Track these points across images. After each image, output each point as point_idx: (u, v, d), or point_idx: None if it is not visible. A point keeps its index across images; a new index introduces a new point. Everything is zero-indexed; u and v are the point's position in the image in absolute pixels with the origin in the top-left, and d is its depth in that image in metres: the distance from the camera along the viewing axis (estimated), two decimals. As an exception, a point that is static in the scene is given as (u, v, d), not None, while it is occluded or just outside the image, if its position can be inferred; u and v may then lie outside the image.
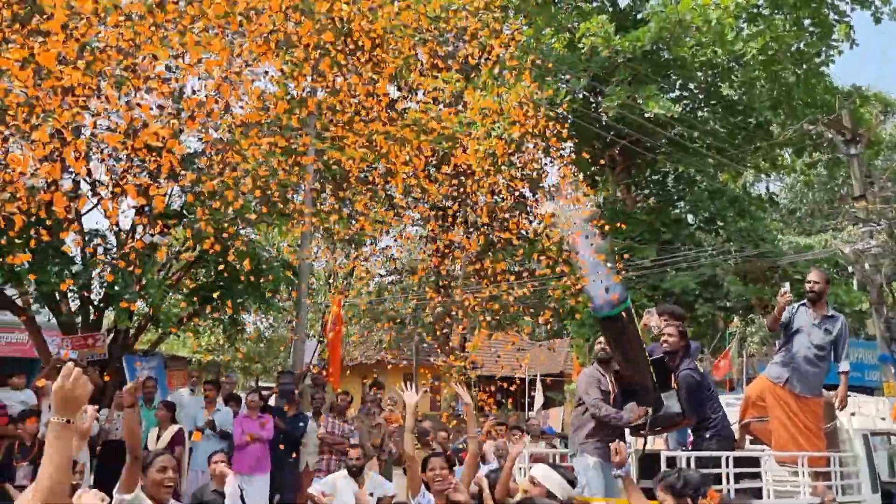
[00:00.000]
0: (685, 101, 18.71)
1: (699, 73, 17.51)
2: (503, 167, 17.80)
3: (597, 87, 16.62)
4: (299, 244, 13.19)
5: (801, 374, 6.98)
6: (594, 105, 17.73)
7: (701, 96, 18.86)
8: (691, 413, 6.13)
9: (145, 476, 4.15)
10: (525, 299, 19.10)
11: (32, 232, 8.81)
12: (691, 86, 18.72)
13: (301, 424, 9.65)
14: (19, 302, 10.85)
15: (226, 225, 10.89)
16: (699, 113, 19.07)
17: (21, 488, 6.47)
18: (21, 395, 9.01)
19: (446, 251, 23.05)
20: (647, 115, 15.56)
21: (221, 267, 10.27)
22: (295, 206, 13.40)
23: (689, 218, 19.83)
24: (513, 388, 21.17)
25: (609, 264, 5.83)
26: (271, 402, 10.04)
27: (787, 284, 7.19)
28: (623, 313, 5.65)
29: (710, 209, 18.49)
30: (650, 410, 5.98)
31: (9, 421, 8.19)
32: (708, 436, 6.24)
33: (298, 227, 12.10)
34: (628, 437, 6.60)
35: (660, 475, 4.07)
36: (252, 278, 11.40)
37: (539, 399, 18.34)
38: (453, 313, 21.74)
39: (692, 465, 5.62)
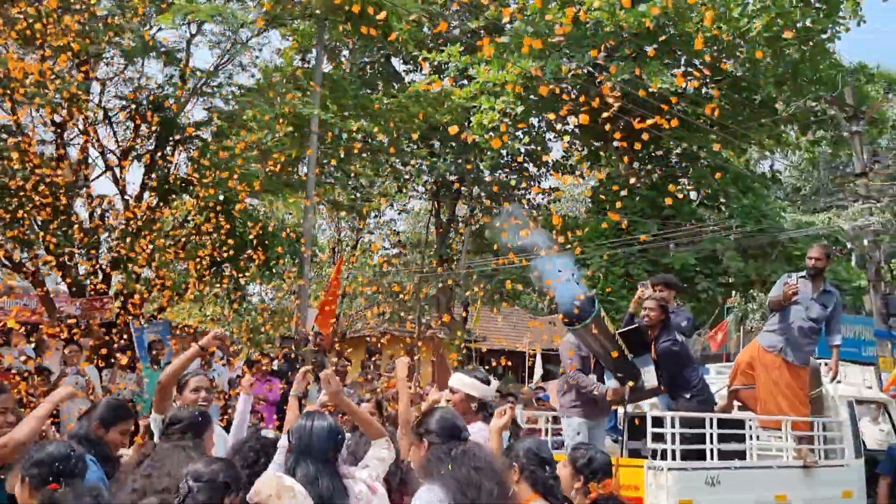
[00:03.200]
0: (689, 78, 18.73)
1: (704, 50, 17.52)
2: (507, 141, 17.95)
3: (600, 63, 16.66)
4: (304, 214, 13.35)
5: (795, 344, 7.12)
6: (598, 81, 17.77)
7: (706, 73, 18.86)
8: (669, 384, 6.33)
9: (181, 396, 4.27)
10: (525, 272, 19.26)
11: (41, 199, 9.03)
12: (696, 62, 18.72)
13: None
14: (30, 266, 11.09)
15: (231, 194, 11.10)
16: (703, 90, 19.08)
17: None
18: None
19: (450, 225, 23.25)
20: (651, 91, 15.61)
21: (227, 233, 10.47)
22: (299, 176, 13.59)
23: (692, 195, 19.93)
24: (511, 362, 21.40)
25: (574, 273, 5.90)
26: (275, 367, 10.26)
27: (794, 276, 7.32)
28: (591, 325, 5.77)
29: (713, 185, 18.58)
30: (627, 389, 6.21)
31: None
32: (688, 396, 6.42)
33: (302, 196, 12.26)
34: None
35: (572, 447, 4.16)
36: (257, 246, 11.65)
37: (538, 371, 18.57)
38: (455, 287, 21.96)
39: (677, 425, 5.83)
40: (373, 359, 11.19)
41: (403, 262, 24.53)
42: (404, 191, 23.19)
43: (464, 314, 23.45)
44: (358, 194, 19.79)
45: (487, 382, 4.54)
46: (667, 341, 6.44)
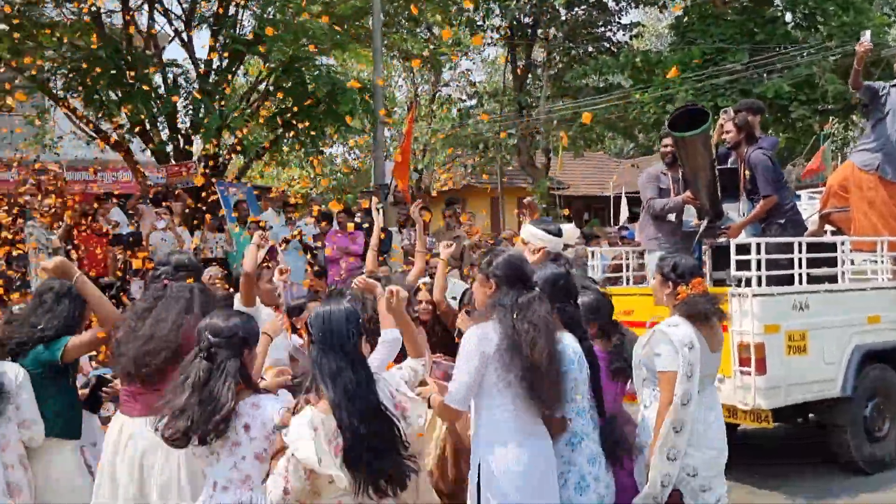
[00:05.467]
0: None
1: None
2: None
3: None
4: (373, 67, 13.10)
5: (892, 158, 6.70)
6: None
7: None
8: (768, 189, 6.03)
9: (258, 288, 4.40)
10: (609, 115, 18.63)
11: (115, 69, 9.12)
12: None
13: (386, 239, 10.06)
14: (115, 136, 11.45)
15: (299, 51, 10.95)
16: None
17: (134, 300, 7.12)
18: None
19: (527, 70, 22.47)
20: None
21: (297, 92, 10.41)
22: (366, 28, 13.23)
23: (787, 17, 18.43)
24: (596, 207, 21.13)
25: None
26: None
27: (867, 33, 6.69)
28: (700, 137, 5.54)
29: (810, 4, 17.10)
30: (704, 223, 6.03)
31: (117, 241, 8.90)
32: (782, 222, 6.16)
33: (368, 48, 11.97)
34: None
35: (659, 258, 4.10)
36: (329, 104, 11.58)
37: (624, 214, 18.32)
38: (536, 135, 21.52)
39: (762, 251, 5.64)
40: (454, 206, 11.22)
41: (482, 112, 24.05)
42: (478, 34, 22.36)
43: (546, 161, 23.10)
44: (431, 46, 19.23)
45: (558, 234, 4.40)
46: (757, 150, 6.13)
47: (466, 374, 3.09)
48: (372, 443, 2.66)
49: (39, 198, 8.55)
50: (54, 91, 11.13)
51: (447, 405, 3.11)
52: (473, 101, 24.32)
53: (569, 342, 3.32)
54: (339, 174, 29.30)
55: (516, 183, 26.89)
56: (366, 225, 10.12)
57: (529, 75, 22.64)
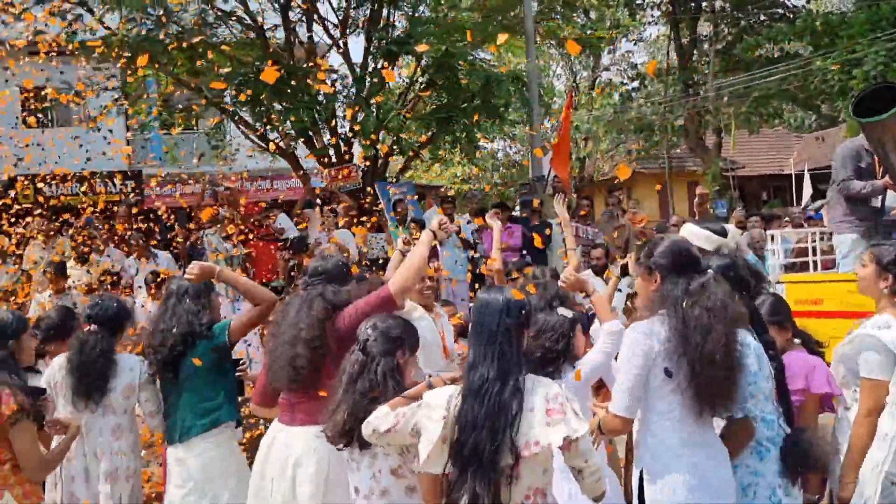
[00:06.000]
0: None
1: None
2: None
3: None
4: (526, 55, 12.82)
5: None
6: None
7: None
8: None
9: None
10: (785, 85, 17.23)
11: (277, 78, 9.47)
12: None
13: (547, 232, 9.79)
14: (282, 144, 11.99)
15: (452, 45, 10.92)
16: None
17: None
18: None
19: (692, 47, 21.27)
20: None
21: (451, 88, 10.35)
22: (518, 18, 12.99)
23: None
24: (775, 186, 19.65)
25: None
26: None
27: None
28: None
29: None
30: None
31: (285, 246, 9.24)
32: None
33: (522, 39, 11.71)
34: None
35: (872, 244, 3.58)
36: (484, 97, 11.46)
37: (807, 192, 16.84)
38: (705, 114, 20.35)
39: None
40: (615, 194, 10.78)
41: (645, 94, 23.09)
42: (637, 17, 21.49)
43: (717, 141, 21.79)
44: (588, 32, 18.64)
45: (723, 233, 3.94)
46: None
47: (628, 378, 2.76)
48: (481, 445, 2.39)
49: (216, 209, 9.05)
50: (224, 106, 11.81)
51: (612, 414, 2.80)
52: (635, 84, 23.41)
53: (745, 336, 2.90)
54: (500, 169, 29.32)
55: (686, 166, 25.66)
56: (523, 215, 9.93)
57: (695, 51, 21.46)
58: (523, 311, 2.56)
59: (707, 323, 2.67)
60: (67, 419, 3.59)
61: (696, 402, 2.69)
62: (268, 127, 11.38)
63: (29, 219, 9.07)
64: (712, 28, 20.97)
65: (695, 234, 3.91)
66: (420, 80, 12.20)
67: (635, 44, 24.96)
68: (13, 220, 8.96)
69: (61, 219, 9.78)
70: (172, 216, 10.58)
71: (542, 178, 11.48)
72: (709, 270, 2.87)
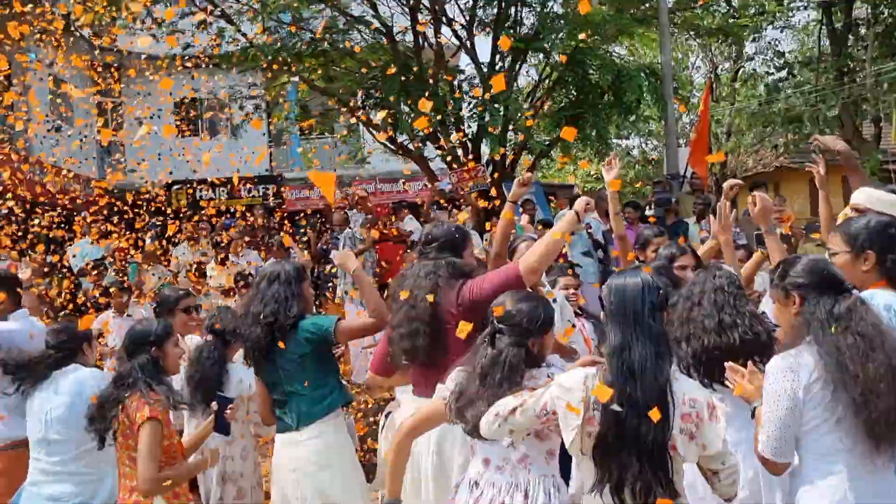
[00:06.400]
0: None
1: None
2: None
3: None
4: (660, 47, 12.30)
5: None
6: None
7: None
8: None
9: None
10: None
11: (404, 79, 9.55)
12: None
13: (678, 231, 9.34)
14: (410, 146, 12.10)
15: (582, 42, 10.65)
16: None
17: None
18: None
19: (847, 31, 19.74)
20: None
21: (582, 85, 10.07)
22: (653, 9, 12.50)
23: None
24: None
25: None
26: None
27: None
28: None
29: None
30: None
31: (412, 247, 9.33)
32: None
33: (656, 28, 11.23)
34: None
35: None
36: (616, 93, 11.09)
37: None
38: (862, 102, 18.85)
39: None
40: (759, 190, 10.11)
41: (795, 84, 21.68)
42: (785, 2, 20.20)
43: (876, 132, 20.13)
44: (731, 20, 17.68)
45: None
46: None
47: (774, 423, 2.44)
48: (632, 432, 2.31)
49: (344, 212, 9.28)
50: (355, 110, 12.07)
51: (765, 458, 2.49)
52: (783, 73, 22.02)
53: None
54: (636, 166, 28.46)
55: (839, 160, 23.91)
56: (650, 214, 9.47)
57: (850, 36, 19.89)
58: (660, 292, 2.50)
59: (863, 349, 2.37)
60: (216, 453, 3.62)
61: (867, 437, 2.36)
62: (396, 128, 11.52)
63: (182, 223, 9.66)
64: (870, 10, 19.37)
65: (877, 198, 3.48)
66: (549, 77, 11.96)
67: (782, 31, 23.44)
68: (164, 223, 9.56)
69: (212, 221, 10.33)
70: (310, 218, 10.95)
71: (679, 175, 10.98)
72: (854, 290, 2.55)
